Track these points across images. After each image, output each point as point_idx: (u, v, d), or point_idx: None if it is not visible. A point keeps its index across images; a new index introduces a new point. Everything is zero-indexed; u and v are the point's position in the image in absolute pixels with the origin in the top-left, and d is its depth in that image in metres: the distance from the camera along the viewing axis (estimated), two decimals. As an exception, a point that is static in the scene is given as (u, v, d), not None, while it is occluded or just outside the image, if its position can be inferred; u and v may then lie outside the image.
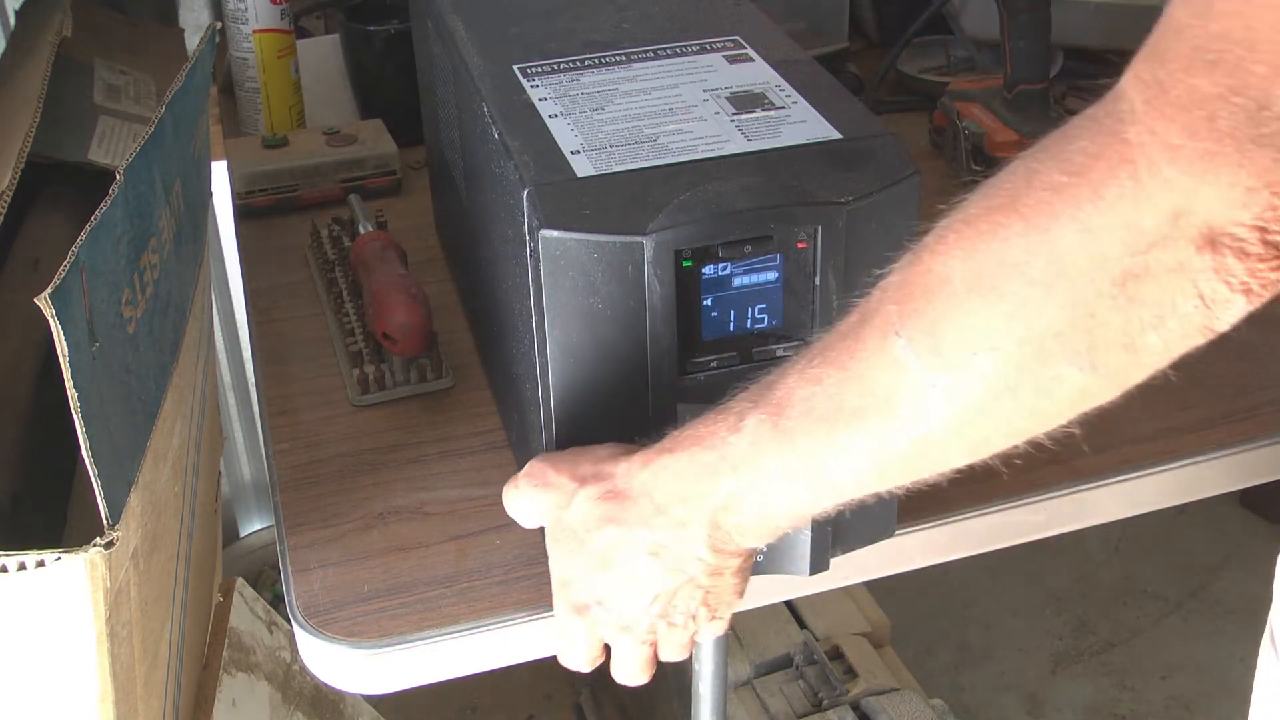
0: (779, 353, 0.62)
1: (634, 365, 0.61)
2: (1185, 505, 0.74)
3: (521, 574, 0.71)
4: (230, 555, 1.80)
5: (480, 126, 0.69)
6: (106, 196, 0.60)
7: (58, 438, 0.68)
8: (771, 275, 0.61)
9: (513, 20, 0.77)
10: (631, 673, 0.62)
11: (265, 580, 1.78)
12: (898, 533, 0.73)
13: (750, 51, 0.72)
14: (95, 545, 0.56)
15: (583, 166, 0.61)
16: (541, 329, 0.60)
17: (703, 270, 0.60)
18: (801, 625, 1.40)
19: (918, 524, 0.73)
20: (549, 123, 0.65)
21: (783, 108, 0.66)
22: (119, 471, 0.60)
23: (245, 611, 1.03)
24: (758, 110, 0.66)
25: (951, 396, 0.46)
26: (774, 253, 0.60)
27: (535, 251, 0.58)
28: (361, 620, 0.68)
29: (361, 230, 0.95)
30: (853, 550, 0.69)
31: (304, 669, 0.75)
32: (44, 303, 0.52)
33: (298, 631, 0.68)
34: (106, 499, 0.57)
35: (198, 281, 0.84)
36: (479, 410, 0.84)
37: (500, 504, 0.75)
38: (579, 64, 0.71)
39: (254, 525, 1.92)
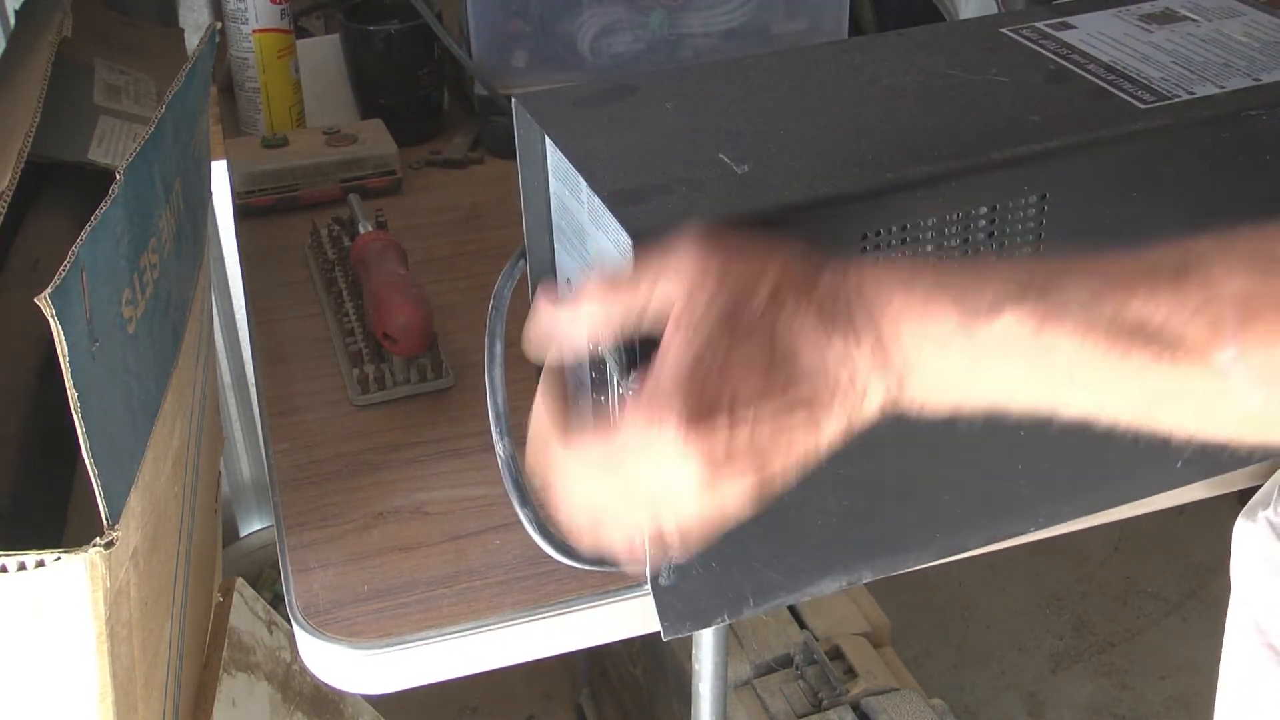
0: None
1: None
2: (1184, 506, 0.74)
3: (521, 574, 0.71)
4: (230, 555, 1.80)
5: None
6: (106, 196, 0.60)
7: (58, 438, 0.68)
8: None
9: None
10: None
11: (265, 580, 1.78)
12: (898, 533, 0.72)
13: None
14: (95, 545, 0.56)
15: None
16: None
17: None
18: (801, 625, 1.40)
19: (918, 524, 0.73)
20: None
21: None
22: (119, 471, 0.60)
23: (245, 611, 1.03)
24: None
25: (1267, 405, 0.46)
26: None
27: None
28: (361, 620, 0.68)
29: (361, 230, 0.95)
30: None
31: (304, 669, 0.75)
32: (44, 303, 0.52)
33: (298, 631, 0.68)
34: (106, 499, 0.57)
35: (198, 281, 0.84)
36: (479, 410, 0.84)
37: (500, 503, 0.76)
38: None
39: (254, 525, 1.92)
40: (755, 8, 1.18)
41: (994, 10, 1.08)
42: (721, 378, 0.47)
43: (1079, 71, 0.68)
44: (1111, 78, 0.67)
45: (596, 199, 0.59)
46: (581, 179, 0.60)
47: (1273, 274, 0.45)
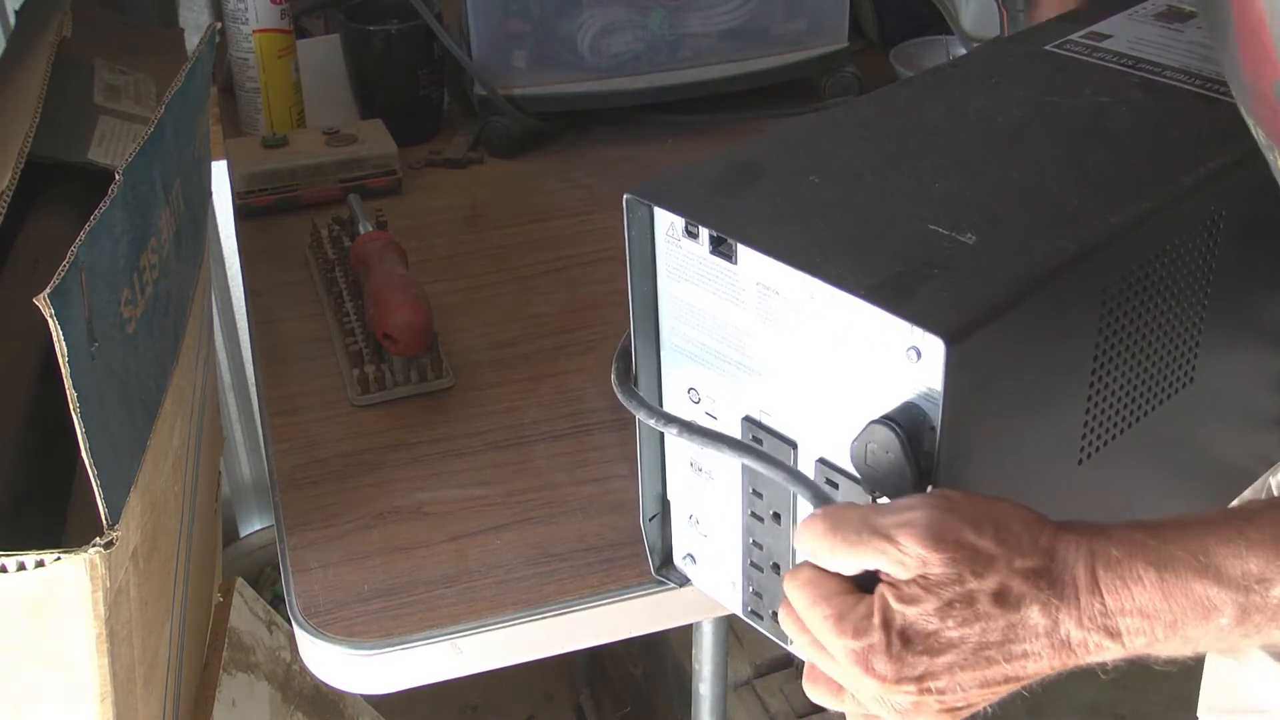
0: None
1: None
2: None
3: (521, 574, 0.71)
4: (230, 555, 1.80)
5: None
6: (106, 196, 0.60)
7: (58, 438, 0.69)
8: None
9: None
10: None
11: (265, 580, 1.78)
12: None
13: None
14: (95, 545, 0.56)
15: None
16: None
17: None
18: (801, 625, 1.40)
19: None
20: None
21: None
22: (119, 471, 0.60)
23: (245, 611, 1.03)
24: None
25: None
26: None
27: None
28: (361, 620, 0.68)
29: (361, 230, 0.95)
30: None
31: (304, 669, 0.75)
32: (44, 303, 0.52)
33: (298, 631, 0.68)
34: (106, 499, 0.57)
35: (198, 281, 0.84)
36: (479, 410, 0.84)
37: (500, 503, 0.76)
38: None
39: (254, 525, 1.92)
40: (755, 8, 1.18)
41: (993, 10, 1.08)
42: (932, 651, 0.49)
43: (1163, 80, 0.66)
44: (1198, 82, 0.66)
45: (779, 296, 0.53)
46: (747, 275, 0.54)
47: None
